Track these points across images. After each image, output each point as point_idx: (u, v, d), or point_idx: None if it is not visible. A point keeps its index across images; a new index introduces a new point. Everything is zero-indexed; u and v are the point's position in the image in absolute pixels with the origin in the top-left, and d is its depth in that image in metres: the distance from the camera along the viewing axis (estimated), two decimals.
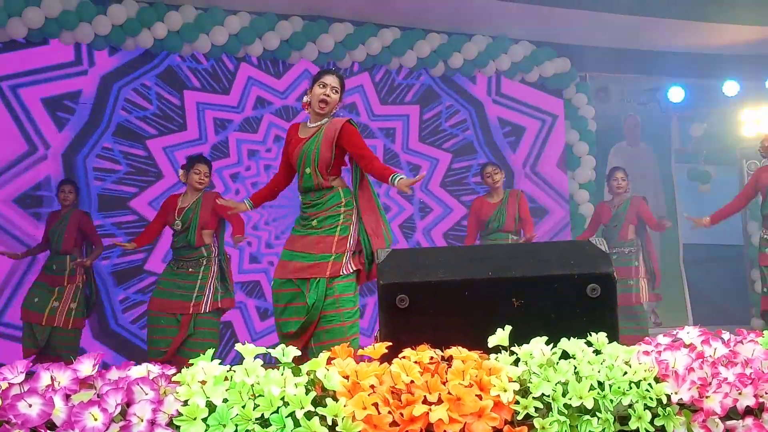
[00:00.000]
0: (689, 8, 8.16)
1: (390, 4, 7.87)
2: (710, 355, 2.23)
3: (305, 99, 4.88)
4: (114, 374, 2.05)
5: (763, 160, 7.14)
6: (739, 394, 2.15)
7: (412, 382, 2.08)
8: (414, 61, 8.37)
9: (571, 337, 2.29)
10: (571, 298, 2.44)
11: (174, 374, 2.08)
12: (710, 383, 2.15)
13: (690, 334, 2.30)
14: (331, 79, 4.80)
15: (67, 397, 1.98)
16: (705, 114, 9.63)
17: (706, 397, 2.14)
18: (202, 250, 6.32)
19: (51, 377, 2.00)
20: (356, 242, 4.75)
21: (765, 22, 8.43)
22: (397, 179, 4.53)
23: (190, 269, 6.27)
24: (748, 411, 2.16)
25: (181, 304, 6.19)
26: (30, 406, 1.92)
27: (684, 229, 9.74)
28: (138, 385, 1.99)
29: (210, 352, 2.10)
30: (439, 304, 2.47)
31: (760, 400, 2.16)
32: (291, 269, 4.72)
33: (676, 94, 9.43)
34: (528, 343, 2.26)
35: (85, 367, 2.05)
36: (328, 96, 4.76)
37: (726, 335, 2.33)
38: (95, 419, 1.91)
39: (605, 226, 7.83)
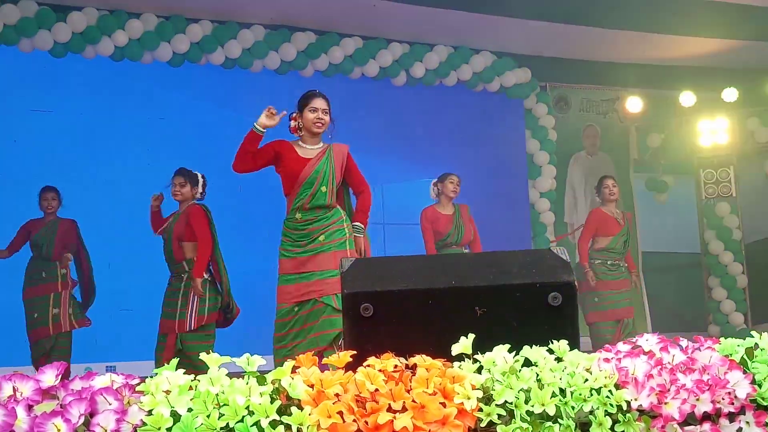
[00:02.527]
0: (646, 20, 8.30)
1: (352, 13, 7.91)
2: (669, 362, 2.27)
3: (292, 124, 5.04)
4: (77, 384, 2.04)
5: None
6: (697, 400, 2.19)
7: (376, 390, 2.09)
8: (376, 71, 8.41)
9: (533, 345, 2.31)
10: (532, 306, 2.47)
11: (138, 384, 2.07)
12: (669, 390, 2.19)
13: (649, 341, 2.34)
14: (320, 102, 5.01)
15: (29, 408, 1.96)
16: (662, 124, 9.77)
17: (665, 403, 2.18)
18: (183, 265, 6.27)
19: (13, 388, 1.98)
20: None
21: (719, 35, 8.59)
22: (361, 230, 5.10)
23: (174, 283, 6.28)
24: (706, 416, 2.20)
25: (169, 322, 6.17)
26: None
27: (643, 237, 9.88)
28: (102, 395, 1.98)
29: (174, 361, 2.10)
30: (403, 313, 2.48)
31: (717, 405, 2.20)
32: (306, 289, 4.86)
33: (634, 104, 9.56)
34: (491, 351, 2.28)
35: (48, 377, 2.03)
36: (322, 119, 4.98)
37: (684, 342, 2.38)
38: (58, 430, 1.90)
39: (611, 237, 7.90)
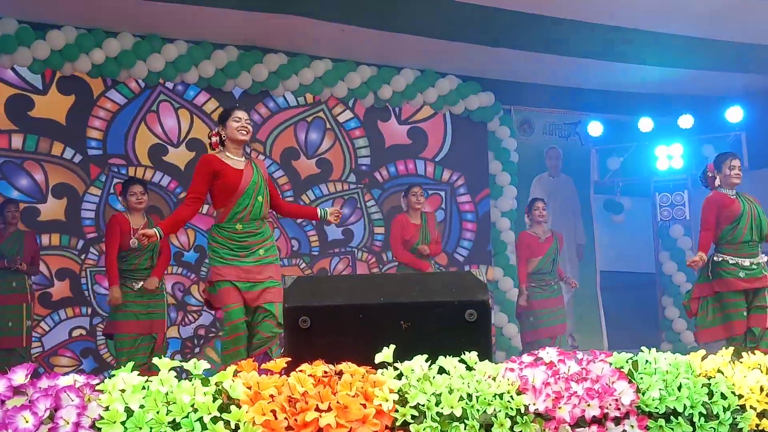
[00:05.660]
0: (605, 49, 8.65)
1: (321, 37, 8.21)
2: (565, 372, 2.59)
3: (214, 139, 5.26)
4: (44, 383, 2.33)
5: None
6: (587, 405, 2.51)
7: (306, 392, 2.40)
8: (345, 92, 8.72)
9: (451, 356, 2.63)
10: (451, 321, 2.80)
11: (97, 384, 2.37)
12: (562, 396, 2.52)
13: (549, 353, 2.66)
14: (242, 114, 5.24)
15: (1, 403, 2.25)
16: (622, 148, 10.13)
17: (559, 407, 2.50)
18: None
19: None
20: None
21: (676, 65, 8.96)
22: (323, 211, 5.47)
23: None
24: (595, 420, 2.53)
25: (158, 323, 6.47)
26: None
27: (601, 256, 10.23)
28: (65, 392, 2.28)
29: (130, 364, 2.39)
30: (337, 326, 2.80)
31: (605, 410, 2.53)
32: (250, 297, 5.12)
33: (595, 128, 9.96)
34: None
35: (18, 376, 2.32)
36: (245, 128, 5.21)
37: (581, 355, 2.70)
38: (27, 421, 2.19)
39: (539, 258, 8.20)
